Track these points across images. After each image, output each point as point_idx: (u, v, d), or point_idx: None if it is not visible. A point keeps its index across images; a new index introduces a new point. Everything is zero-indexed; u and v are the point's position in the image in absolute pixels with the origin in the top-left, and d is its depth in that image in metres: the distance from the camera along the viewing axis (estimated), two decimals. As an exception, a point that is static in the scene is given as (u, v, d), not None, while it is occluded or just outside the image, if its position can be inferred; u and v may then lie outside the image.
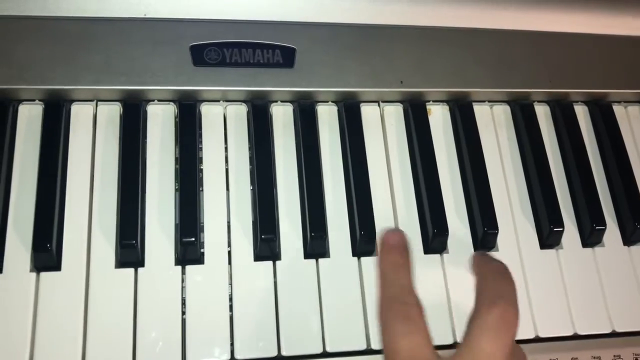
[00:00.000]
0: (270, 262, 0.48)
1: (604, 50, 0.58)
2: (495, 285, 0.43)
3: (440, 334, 0.48)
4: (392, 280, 0.44)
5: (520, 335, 0.49)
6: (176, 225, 0.48)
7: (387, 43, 0.54)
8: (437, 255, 0.50)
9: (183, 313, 0.45)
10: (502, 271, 0.44)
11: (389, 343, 0.41)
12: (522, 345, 0.49)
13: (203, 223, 0.49)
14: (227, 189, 0.50)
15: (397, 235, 0.45)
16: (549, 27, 0.58)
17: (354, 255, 0.49)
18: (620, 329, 0.50)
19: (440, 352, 0.39)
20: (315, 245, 0.48)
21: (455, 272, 0.50)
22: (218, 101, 0.53)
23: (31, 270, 0.45)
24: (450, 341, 0.48)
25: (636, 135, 0.58)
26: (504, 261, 0.50)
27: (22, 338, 0.43)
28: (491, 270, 0.44)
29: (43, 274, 0.45)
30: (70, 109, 0.51)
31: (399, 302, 0.42)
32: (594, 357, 0.51)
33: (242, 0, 0.53)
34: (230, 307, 0.46)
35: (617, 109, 0.59)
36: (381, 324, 0.43)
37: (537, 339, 0.50)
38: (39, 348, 0.43)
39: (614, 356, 0.51)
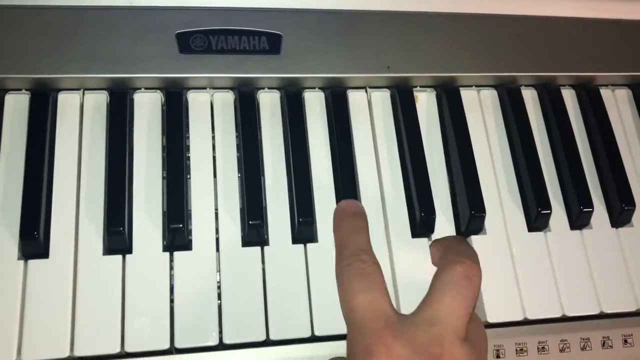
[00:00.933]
0: (259, 248, 0.48)
1: (590, 34, 0.58)
2: (460, 247, 0.44)
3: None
4: (350, 240, 0.45)
5: (508, 317, 0.49)
6: (164, 212, 0.48)
7: (374, 29, 0.55)
8: (425, 239, 0.50)
9: (171, 299, 0.46)
10: (465, 240, 0.47)
11: (346, 301, 0.42)
12: (511, 328, 0.50)
13: (191, 210, 0.49)
14: (215, 176, 0.50)
15: (353, 203, 0.48)
16: (535, 12, 0.58)
17: (344, 239, 0.49)
18: (608, 310, 0.51)
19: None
20: (304, 230, 0.48)
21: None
22: (205, 88, 0.53)
23: (19, 258, 0.45)
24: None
25: (624, 118, 0.58)
26: (492, 244, 0.51)
27: (11, 326, 0.43)
28: (455, 239, 0.47)
29: (31, 262, 0.45)
30: (57, 98, 0.51)
31: (355, 260, 0.43)
32: (583, 339, 0.51)
33: (227, -12, 0.54)
34: (219, 292, 0.46)
35: (605, 93, 0.59)
36: (338, 282, 0.44)
37: (526, 322, 0.50)
38: (27, 335, 0.43)
39: (603, 337, 0.51)
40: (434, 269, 0.49)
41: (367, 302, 0.41)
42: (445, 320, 0.40)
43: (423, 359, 0.38)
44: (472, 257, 0.43)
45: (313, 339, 0.47)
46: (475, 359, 0.40)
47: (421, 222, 0.50)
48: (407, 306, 0.47)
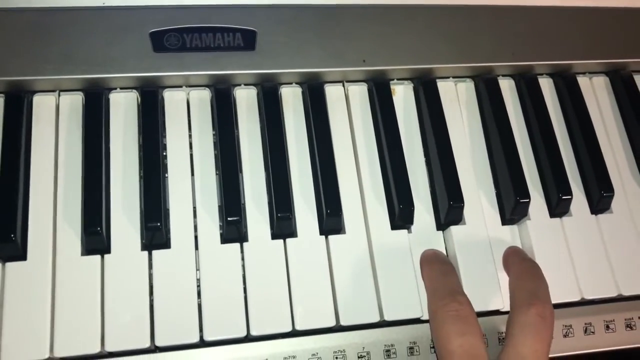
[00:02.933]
0: (238, 245, 0.48)
1: (566, 22, 0.58)
2: (529, 285, 0.46)
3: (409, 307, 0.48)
4: (443, 283, 0.46)
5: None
6: (141, 211, 0.48)
7: (349, 22, 0.55)
8: (405, 231, 0.50)
9: (151, 298, 0.46)
10: (535, 271, 0.47)
11: (443, 343, 0.43)
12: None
13: (169, 209, 0.49)
14: (192, 174, 0.50)
15: (436, 251, 0.49)
16: (510, 1, 0.58)
17: (321, 234, 0.49)
18: (589, 296, 0.51)
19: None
20: (282, 225, 0.48)
21: (420, 247, 0.50)
22: (180, 87, 0.53)
23: (-5, 261, 0.45)
24: (418, 315, 0.48)
25: (601, 105, 0.59)
26: (470, 234, 0.51)
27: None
28: (524, 270, 0.47)
29: (8, 264, 0.45)
30: (32, 100, 0.50)
31: (452, 301, 0.44)
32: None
33: (201, -15, 0.53)
34: (199, 290, 0.46)
35: (582, 80, 0.59)
36: (433, 324, 0.44)
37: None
38: (6, 337, 0.43)
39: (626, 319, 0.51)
40: (412, 258, 0.49)
41: (465, 346, 0.42)
42: None
43: None
44: (543, 295, 0.45)
45: (294, 333, 0.47)
46: None
47: (400, 214, 0.50)
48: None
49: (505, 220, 0.53)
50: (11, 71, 0.49)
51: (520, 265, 0.48)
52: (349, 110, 0.55)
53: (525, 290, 0.45)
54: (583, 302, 0.52)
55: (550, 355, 0.47)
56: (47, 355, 0.43)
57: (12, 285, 0.44)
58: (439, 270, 0.48)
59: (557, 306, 0.51)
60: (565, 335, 0.51)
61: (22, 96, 0.50)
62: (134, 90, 0.52)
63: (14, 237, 0.45)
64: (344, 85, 0.55)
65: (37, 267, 0.45)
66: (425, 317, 0.48)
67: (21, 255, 0.45)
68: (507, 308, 0.48)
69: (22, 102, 0.50)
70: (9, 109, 0.49)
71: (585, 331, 0.51)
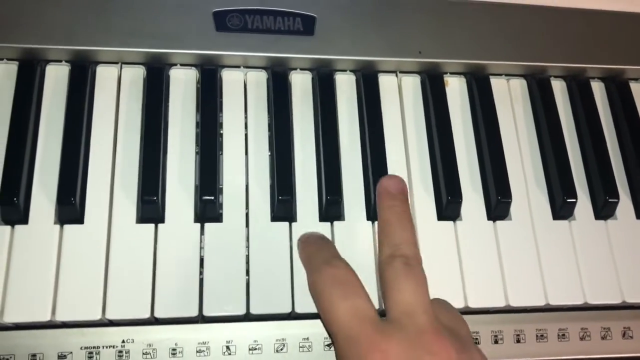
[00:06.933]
0: (287, 224, 0.49)
1: (622, 27, 0.58)
2: (391, 236, 0.45)
3: (452, 300, 0.48)
4: (317, 255, 0.45)
5: (531, 303, 0.50)
6: (196, 186, 0.49)
7: (407, 13, 0.55)
8: (451, 222, 0.51)
9: (201, 270, 0.47)
10: (396, 217, 0.46)
11: (327, 312, 0.41)
12: (532, 314, 0.50)
13: (222, 185, 0.50)
14: (246, 153, 0.51)
15: (312, 232, 0.48)
16: (567, 4, 0.58)
17: (367, 219, 0.50)
18: (631, 300, 0.51)
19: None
20: (331, 208, 0.49)
21: (468, 239, 0.50)
22: (239, 67, 0.54)
23: (55, 223, 0.46)
24: (461, 305, 0.48)
25: (654, 113, 0.59)
26: (516, 231, 0.51)
27: (45, 288, 0.44)
28: (385, 221, 0.46)
29: (67, 227, 0.46)
30: (95, 71, 0.52)
31: (327, 267, 0.42)
32: (604, 328, 0.51)
33: (264, -31, 0.54)
34: (247, 265, 0.47)
35: (635, 86, 0.59)
36: (313, 295, 0.43)
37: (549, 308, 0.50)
38: (61, 297, 0.44)
39: (624, 327, 0.51)
40: (459, 251, 0.50)
41: (350, 309, 0.40)
42: (418, 308, 0.41)
43: (419, 351, 0.39)
44: (404, 240, 0.44)
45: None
46: (456, 340, 0.41)
47: (447, 206, 0.50)
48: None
49: (553, 217, 0.53)
50: (77, 41, 0.51)
51: (382, 214, 0.46)
52: (401, 101, 0.55)
53: (387, 241, 0.44)
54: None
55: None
56: (99, 317, 0.44)
57: (68, 247, 0.46)
58: (313, 245, 0.46)
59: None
60: (603, 338, 0.51)
61: (86, 66, 0.51)
62: (193, 68, 0.53)
63: (73, 201, 0.46)
64: (397, 75, 0.56)
65: (93, 231, 0.46)
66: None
67: (79, 219, 0.47)
68: (550, 303, 0.49)
69: (86, 72, 0.51)
70: (73, 78, 0.51)
71: (624, 335, 0.51)
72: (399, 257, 0.43)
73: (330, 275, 0.42)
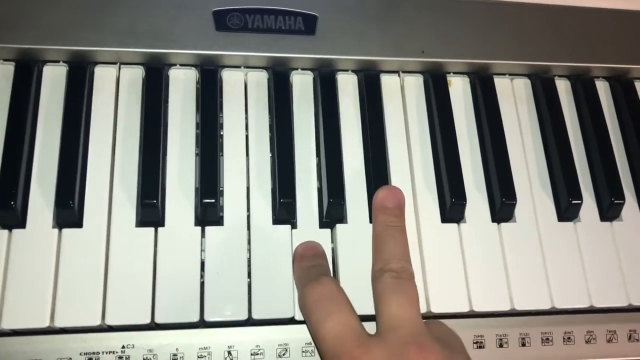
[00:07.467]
0: (288, 227, 0.48)
1: (625, 26, 0.58)
2: (382, 249, 0.45)
3: (456, 304, 0.48)
4: (307, 274, 0.45)
5: (536, 306, 0.49)
6: (196, 188, 0.48)
7: (410, 12, 0.54)
8: (455, 225, 0.50)
9: (202, 274, 0.46)
10: (388, 232, 0.46)
11: (314, 332, 0.42)
12: (536, 318, 0.50)
13: (222, 187, 0.49)
14: (247, 154, 0.51)
15: (306, 246, 0.47)
16: (571, 2, 0.57)
17: (370, 222, 0.49)
18: (637, 302, 0.50)
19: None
20: (334, 210, 0.49)
21: (472, 241, 0.50)
22: (239, 67, 0.53)
23: (53, 227, 0.46)
24: (466, 309, 0.48)
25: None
26: (521, 233, 0.51)
27: (44, 292, 0.44)
28: (378, 234, 0.46)
29: (65, 230, 0.46)
30: (93, 71, 0.51)
31: (315, 287, 0.43)
32: (609, 331, 0.51)
33: (265, -32, 0.54)
34: (249, 269, 0.47)
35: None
36: (305, 318, 0.43)
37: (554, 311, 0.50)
38: (60, 303, 0.44)
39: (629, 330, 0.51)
40: (462, 253, 0.49)
41: (334, 326, 0.41)
42: (405, 322, 0.41)
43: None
44: (394, 255, 0.44)
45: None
46: (444, 351, 0.40)
47: (451, 208, 0.50)
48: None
49: (558, 219, 0.52)
50: (75, 41, 0.50)
51: (376, 228, 0.47)
52: (403, 100, 0.54)
53: (378, 257, 0.45)
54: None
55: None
56: (98, 322, 0.44)
57: (67, 251, 0.45)
58: (305, 261, 0.46)
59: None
60: (608, 341, 0.50)
61: (84, 67, 0.50)
62: (193, 68, 0.52)
63: (72, 204, 0.45)
64: (399, 75, 0.55)
65: (92, 235, 0.46)
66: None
67: (78, 223, 0.46)
68: (556, 306, 0.48)
69: (84, 72, 0.50)
70: (71, 78, 0.50)
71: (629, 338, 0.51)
72: (388, 271, 0.43)
73: (317, 293, 0.42)
